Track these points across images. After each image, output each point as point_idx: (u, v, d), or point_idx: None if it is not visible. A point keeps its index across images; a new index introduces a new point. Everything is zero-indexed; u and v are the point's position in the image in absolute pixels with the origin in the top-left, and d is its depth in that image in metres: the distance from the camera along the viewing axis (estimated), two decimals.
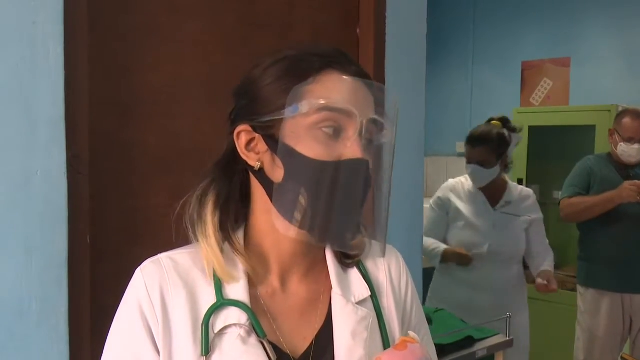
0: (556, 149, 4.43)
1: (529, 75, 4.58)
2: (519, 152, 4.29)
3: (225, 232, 0.87)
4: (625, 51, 4.16)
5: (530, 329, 4.13)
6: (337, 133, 0.81)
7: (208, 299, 0.85)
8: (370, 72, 1.95)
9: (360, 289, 0.92)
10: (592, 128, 3.95)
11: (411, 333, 0.90)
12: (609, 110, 3.85)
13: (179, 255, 0.89)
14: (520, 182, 4.30)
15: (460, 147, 4.86)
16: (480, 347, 2.40)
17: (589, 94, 4.24)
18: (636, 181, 2.95)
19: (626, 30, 4.15)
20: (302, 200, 0.80)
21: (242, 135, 0.87)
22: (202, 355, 0.81)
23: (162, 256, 0.89)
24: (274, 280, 0.90)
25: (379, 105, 0.85)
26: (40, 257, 1.28)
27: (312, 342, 0.88)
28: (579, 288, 3.28)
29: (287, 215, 0.81)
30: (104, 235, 1.43)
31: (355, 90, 0.83)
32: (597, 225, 3.14)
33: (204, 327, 0.82)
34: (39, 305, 1.28)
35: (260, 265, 0.89)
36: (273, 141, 0.83)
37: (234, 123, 0.88)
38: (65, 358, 1.31)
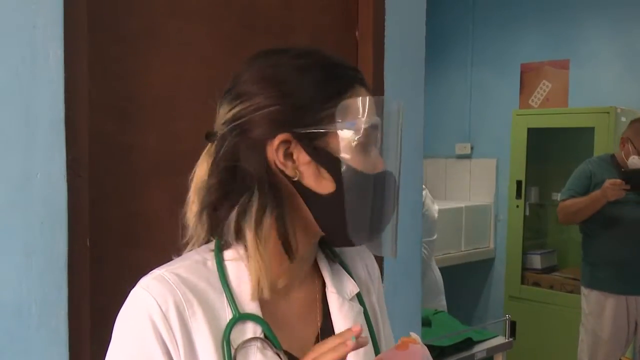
0: (555, 151, 4.43)
1: (528, 77, 4.59)
2: (518, 154, 4.31)
3: (287, 246, 0.84)
4: (624, 53, 4.16)
5: (531, 331, 4.14)
6: (368, 147, 0.85)
7: (223, 313, 0.82)
8: (369, 75, 1.96)
9: (350, 285, 0.94)
10: (591, 130, 3.96)
11: (412, 334, 0.90)
12: (608, 112, 3.86)
13: (180, 269, 0.84)
14: (519, 183, 4.31)
15: (460, 148, 4.87)
16: (479, 349, 2.41)
17: (588, 96, 4.24)
18: (615, 180, 2.94)
19: (625, 32, 4.15)
20: (356, 211, 0.84)
21: (280, 144, 0.83)
22: None
23: (163, 272, 0.83)
24: (279, 285, 0.88)
25: (385, 114, 0.89)
26: (40, 260, 1.28)
27: (315, 342, 0.88)
28: (583, 290, 3.26)
29: (337, 225, 0.84)
30: (104, 237, 1.43)
31: (381, 106, 0.87)
32: (599, 227, 3.14)
33: (225, 343, 0.80)
34: (39, 307, 1.28)
35: (271, 271, 0.86)
36: (318, 153, 0.82)
37: (273, 130, 0.83)
38: None
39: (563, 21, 4.39)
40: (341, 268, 0.96)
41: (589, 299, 3.21)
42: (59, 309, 1.31)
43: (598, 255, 3.20)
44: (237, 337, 0.81)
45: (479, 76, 4.83)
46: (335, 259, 0.96)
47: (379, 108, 0.86)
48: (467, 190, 4.86)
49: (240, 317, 0.82)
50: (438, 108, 4.83)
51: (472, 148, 4.86)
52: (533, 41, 4.55)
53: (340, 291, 0.92)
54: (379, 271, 1.06)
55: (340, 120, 0.82)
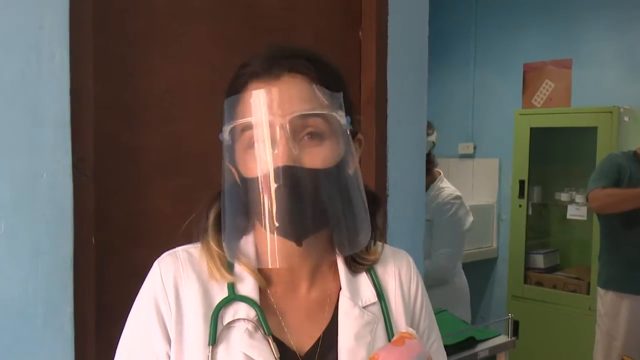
0: (558, 151, 4.43)
1: (530, 77, 4.59)
2: (520, 153, 4.31)
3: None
4: (626, 53, 4.16)
5: (534, 330, 4.14)
6: (270, 143, 0.81)
7: (220, 292, 0.88)
8: (372, 75, 1.97)
9: (368, 293, 0.94)
10: (593, 130, 3.96)
11: (409, 329, 0.91)
12: (611, 112, 3.85)
13: (195, 249, 0.92)
14: (522, 183, 4.31)
15: (462, 148, 4.87)
16: (482, 348, 2.41)
17: (591, 96, 4.24)
18: None
19: (628, 32, 4.15)
20: (258, 212, 0.82)
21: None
22: (208, 345, 0.84)
23: (179, 249, 0.93)
24: (283, 281, 0.92)
25: (307, 97, 0.84)
26: (46, 259, 1.29)
27: (317, 341, 0.90)
28: (599, 290, 3.22)
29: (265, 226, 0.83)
30: (109, 237, 1.44)
31: (271, 95, 0.82)
32: (618, 226, 3.10)
33: (212, 319, 0.85)
34: (45, 306, 1.29)
35: (268, 270, 0.91)
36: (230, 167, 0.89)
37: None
38: (71, 359, 1.33)
39: (566, 21, 4.39)
40: (365, 274, 0.96)
41: (605, 299, 3.16)
42: (64, 308, 1.32)
43: (616, 254, 3.15)
44: (228, 316, 0.87)
45: (481, 76, 4.84)
46: (359, 266, 0.95)
47: (262, 101, 0.81)
48: (469, 190, 4.86)
49: (234, 298, 0.88)
50: (441, 108, 4.84)
51: (475, 148, 4.87)
52: (536, 41, 4.55)
53: (354, 297, 0.92)
54: (417, 280, 1.01)
55: (221, 132, 0.87)
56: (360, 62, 1.97)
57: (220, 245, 0.89)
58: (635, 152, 3.16)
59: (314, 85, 0.85)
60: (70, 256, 1.32)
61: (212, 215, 0.92)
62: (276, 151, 0.80)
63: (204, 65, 1.60)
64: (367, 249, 0.96)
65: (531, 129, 4.28)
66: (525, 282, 4.35)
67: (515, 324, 3.15)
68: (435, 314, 2.76)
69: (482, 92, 4.83)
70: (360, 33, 1.98)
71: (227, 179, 0.87)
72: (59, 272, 1.31)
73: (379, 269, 0.98)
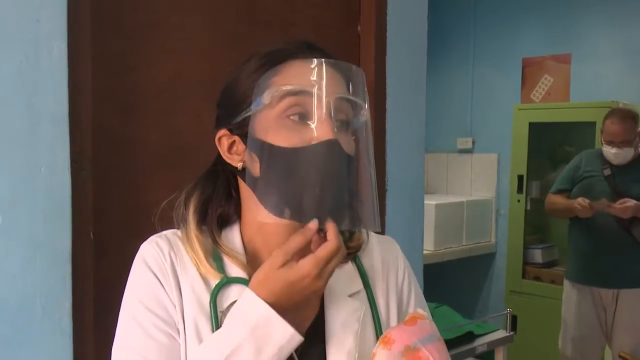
0: (557, 146, 4.43)
1: (529, 72, 4.58)
2: (519, 148, 4.31)
3: (209, 233, 0.89)
4: (625, 48, 4.16)
5: (532, 325, 4.15)
6: (306, 117, 0.81)
7: (213, 277, 0.87)
8: (371, 69, 1.97)
9: (353, 282, 0.94)
10: (592, 124, 3.95)
11: (420, 310, 0.91)
12: (609, 107, 3.85)
13: (182, 234, 0.91)
14: (520, 178, 4.31)
15: (461, 143, 4.87)
16: (480, 343, 2.42)
17: (590, 91, 4.24)
18: (583, 200, 3.03)
19: (627, 27, 4.15)
20: (280, 188, 0.80)
21: (223, 140, 0.90)
22: (212, 331, 0.83)
23: (168, 232, 0.92)
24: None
25: (349, 84, 0.85)
26: (44, 253, 1.30)
27: (305, 332, 0.89)
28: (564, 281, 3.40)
29: (271, 205, 0.81)
30: (107, 230, 1.44)
31: (319, 72, 0.82)
32: (574, 219, 3.23)
33: (212, 304, 0.85)
34: (43, 300, 1.30)
35: (254, 260, 0.90)
36: (248, 138, 0.85)
37: (215, 129, 0.92)
38: (69, 352, 1.33)
39: (564, 16, 4.39)
40: (350, 263, 0.95)
41: (564, 289, 3.36)
42: (63, 301, 1.32)
43: (571, 246, 3.32)
44: (225, 300, 0.86)
45: (480, 71, 4.83)
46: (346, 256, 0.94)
47: (309, 74, 0.81)
48: (468, 185, 4.86)
49: (228, 281, 0.86)
50: (440, 103, 4.83)
51: (473, 143, 4.86)
52: (534, 36, 4.54)
53: (339, 286, 0.92)
54: (403, 265, 1.01)
55: (254, 101, 0.83)
56: (359, 56, 1.97)
57: (203, 236, 0.88)
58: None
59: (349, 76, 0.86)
60: (68, 250, 1.33)
61: (192, 204, 0.90)
62: (321, 125, 0.80)
63: (203, 58, 1.60)
64: (351, 236, 0.94)
65: (530, 124, 4.28)
66: (524, 277, 4.35)
67: (514, 319, 3.16)
68: (435, 308, 2.78)
69: (481, 87, 4.83)
70: (359, 28, 1.98)
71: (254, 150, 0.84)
72: (57, 266, 1.31)
73: (365, 257, 0.98)
